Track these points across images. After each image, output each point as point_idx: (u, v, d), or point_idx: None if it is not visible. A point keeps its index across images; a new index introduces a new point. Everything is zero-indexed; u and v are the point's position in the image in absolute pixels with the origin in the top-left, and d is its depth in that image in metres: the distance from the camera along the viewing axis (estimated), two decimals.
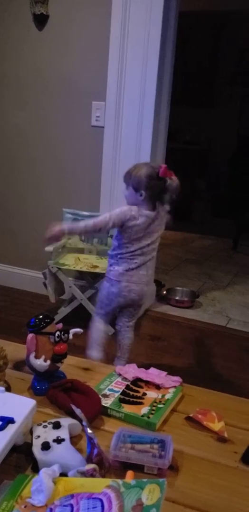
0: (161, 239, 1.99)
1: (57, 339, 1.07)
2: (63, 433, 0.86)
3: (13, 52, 2.90)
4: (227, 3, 5.15)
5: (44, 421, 0.89)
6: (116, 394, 1.06)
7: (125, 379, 1.13)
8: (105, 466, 0.82)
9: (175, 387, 1.11)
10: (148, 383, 1.12)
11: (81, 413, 0.88)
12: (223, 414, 1.02)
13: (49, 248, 2.61)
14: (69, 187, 2.93)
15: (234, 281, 3.80)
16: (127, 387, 1.10)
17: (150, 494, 0.67)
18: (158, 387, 1.11)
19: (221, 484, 0.83)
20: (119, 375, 1.15)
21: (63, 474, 0.77)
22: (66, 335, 1.09)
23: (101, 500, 0.68)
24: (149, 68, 2.56)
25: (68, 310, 2.67)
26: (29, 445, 0.85)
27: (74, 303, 2.65)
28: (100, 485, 0.71)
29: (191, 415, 1.01)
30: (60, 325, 1.11)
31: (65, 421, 0.90)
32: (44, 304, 2.81)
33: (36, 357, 1.06)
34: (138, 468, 0.82)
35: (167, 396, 1.07)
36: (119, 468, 0.83)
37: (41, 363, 1.06)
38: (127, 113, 2.65)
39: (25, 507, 0.71)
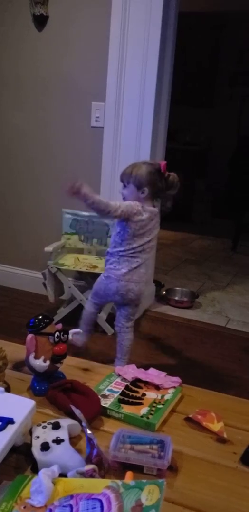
0: (161, 239, 2.02)
1: (56, 340, 1.07)
2: (63, 433, 0.86)
3: (13, 52, 2.90)
4: (227, 4, 5.15)
5: (44, 422, 0.90)
6: (116, 395, 1.06)
7: (124, 379, 1.13)
8: (104, 467, 0.82)
9: (174, 387, 1.11)
10: (147, 384, 1.12)
11: (81, 414, 0.88)
12: (222, 414, 1.02)
13: (48, 249, 2.61)
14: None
15: (234, 282, 3.80)
16: (126, 387, 1.10)
17: (149, 494, 0.67)
18: (157, 387, 1.11)
19: (220, 484, 0.84)
20: (119, 375, 1.15)
21: (63, 475, 0.77)
22: (65, 335, 1.09)
23: (100, 501, 0.68)
24: (148, 69, 2.56)
25: (68, 310, 2.67)
26: (28, 446, 0.85)
27: (73, 303, 2.65)
28: (99, 485, 0.72)
29: (190, 416, 1.02)
30: (59, 326, 1.11)
31: (65, 422, 0.90)
32: (43, 304, 2.81)
33: (36, 357, 1.06)
34: (137, 469, 0.82)
35: (166, 397, 1.07)
36: (119, 469, 0.83)
37: (40, 364, 1.06)
38: (127, 113, 2.65)
39: (24, 507, 0.71)
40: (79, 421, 0.89)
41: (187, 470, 0.87)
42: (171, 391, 1.10)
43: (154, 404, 1.04)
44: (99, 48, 2.66)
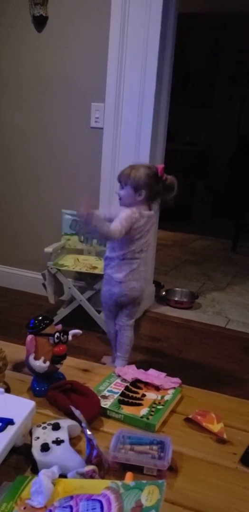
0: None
1: (56, 340, 1.07)
2: (63, 434, 0.86)
3: (12, 53, 2.90)
4: (226, 4, 5.15)
5: (44, 423, 0.90)
6: (116, 395, 1.06)
7: (124, 380, 1.13)
8: (104, 468, 0.82)
9: (174, 388, 1.11)
10: (147, 384, 1.12)
11: (81, 415, 0.88)
12: (222, 415, 1.02)
13: (48, 249, 2.61)
14: (69, 188, 2.93)
15: (234, 282, 3.80)
16: (126, 388, 1.10)
17: (149, 495, 0.67)
18: (157, 388, 1.11)
19: (220, 485, 0.84)
20: (119, 376, 1.15)
21: (63, 476, 0.77)
22: (65, 336, 1.09)
23: (100, 502, 0.68)
24: (148, 69, 2.56)
25: (68, 311, 2.67)
26: (28, 447, 0.85)
27: (73, 304, 2.65)
28: (99, 486, 0.72)
29: (190, 416, 1.02)
30: (59, 326, 1.11)
31: (65, 422, 0.90)
32: (43, 305, 2.81)
33: (36, 358, 1.06)
34: (137, 470, 0.82)
35: (166, 397, 1.07)
36: (119, 470, 0.83)
37: (40, 364, 1.06)
38: (126, 114, 2.65)
39: (24, 508, 0.71)
40: (79, 422, 0.89)
41: (187, 470, 0.87)
42: (170, 391, 1.10)
43: (154, 405, 1.04)
44: (99, 49, 2.66)
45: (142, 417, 0.99)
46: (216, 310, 3.18)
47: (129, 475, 0.78)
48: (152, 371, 1.19)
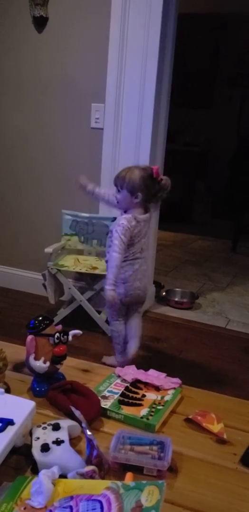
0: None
1: (56, 341, 1.07)
2: (63, 434, 0.86)
3: (13, 54, 2.91)
4: (227, 5, 5.15)
5: (44, 423, 0.90)
6: (116, 396, 1.06)
7: (124, 380, 1.13)
8: (104, 468, 0.82)
9: (174, 388, 1.11)
10: (147, 385, 1.12)
11: (81, 415, 0.88)
12: (222, 415, 1.02)
13: (48, 250, 2.61)
14: (69, 189, 2.92)
15: (234, 282, 3.80)
16: (126, 388, 1.10)
17: (149, 495, 0.67)
18: (157, 388, 1.11)
19: (220, 485, 0.84)
20: (119, 376, 1.15)
21: (63, 476, 0.77)
22: (65, 336, 1.09)
23: (100, 502, 0.68)
24: (148, 70, 2.57)
25: (68, 311, 2.67)
26: (28, 447, 0.85)
27: (73, 304, 2.65)
28: (99, 486, 0.72)
29: (190, 417, 1.02)
30: (59, 327, 1.11)
31: (65, 423, 0.90)
32: (43, 305, 2.81)
33: (36, 358, 1.06)
34: (137, 470, 0.82)
35: (166, 398, 1.07)
36: (119, 470, 0.83)
37: (40, 365, 1.06)
38: (126, 114, 2.65)
39: (24, 508, 0.71)
40: (79, 422, 0.89)
41: (187, 471, 0.87)
42: (171, 392, 1.10)
43: (154, 405, 1.04)
44: (99, 49, 2.66)
45: (142, 417, 0.99)
46: (216, 311, 3.18)
47: (129, 475, 0.78)
48: (152, 371, 1.19)
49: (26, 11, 2.79)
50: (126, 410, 1.01)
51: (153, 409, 1.02)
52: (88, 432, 0.84)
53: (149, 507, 0.65)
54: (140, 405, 1.04)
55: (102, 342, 2.53)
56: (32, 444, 0.84)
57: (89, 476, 0.76)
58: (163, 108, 2.75)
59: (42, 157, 2.97)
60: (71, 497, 0.70)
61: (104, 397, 1.05)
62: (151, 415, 1.00)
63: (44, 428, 0.88)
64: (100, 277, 2.57)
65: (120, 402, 1.04)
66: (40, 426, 0.89)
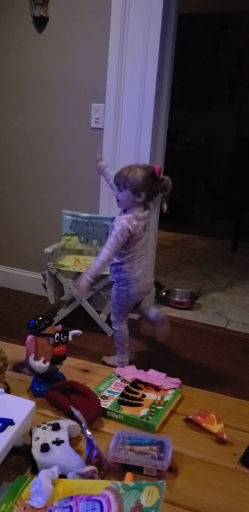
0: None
1: (56, 341, 1.07)
2: (63, 434, 0.86)
3: (13, 54, 2.91)
4: (227, 5, 5.15)
5: (44, 423, 0.90)
6: (116, 396, 1.06)
7: (124, 380, 1.13)
8: (104, 468, 0.82)
9: (174, 388, 1.11)
10: (147, 385, 1.12)
11: (81, 415, 0.88)
12: (222, 415, 1.02)
13: (48, 250, 2.61)
14: (69, 189, 2.93)
15: (234, 283, 3.80)
16: (126, 388, 1.10)
17: (148, 496, 0.67)
18: (157, 388, 1.11)
19: (220, 485, 0.84)
20: (119, 376, 1.15)
21: (63, 476, 0.77)
22: (65, 336, 1.09)
23: (100, 502, 0.68)
24: (148, 70, 2.56)
25: (68, 311, 2.67)
26: (28, 447, 0.85)
27: (73, 304, 2.65)
28: (99, 486, 0.72)
29: (190, 417, 1.02)
30: (59, 327, 1.11)
31: (65, 423, 0.90)
32: (43, 305, 2.81)
33: (36, 358, 1.06)
34: (137, 470, 0.82)
35: (166, 398, 1.07)
36: (119, 470, 0.83)
37: (40, 365, 1.06)
38: (126, 115, 2.65)
39: (24, 508, 0.71)
40: (79, 422, 0.89)
41: (187, 471, 0.87)
42: (170, 392, 1.10)
43: (154, 405, 1.04)
44: (99, 49, 2.66)
45: (141, 417, 0.99)
46: (216, 311, 3.18)
47: (128, 475, 0.78)
48: (151, 371, 1.19)
49: (27, 11, 2.79)
50: (126, 410, 1.01)
51: (153, 409, 1.02)
52: (88, 432, 0.84)
53: (148, 507, 0.65)
54: (140, 405, 1.04)
55: (102, 342, 2.53)
56: (32, 444, 0.84)
57: (89, 476, 0.76)
58: (163, 108, 2.75)
59: (43, 157, 2.97)
60: (71, 497, 0.70)
61: (104, 397, 1.05)
62: (151, 415, 1.00)
63: (44, 428, 0.88)
64: (101, 277, 2.57)
65: (120, 402, 1.04)
66: (40, 426, 0.89)
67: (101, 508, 0.67)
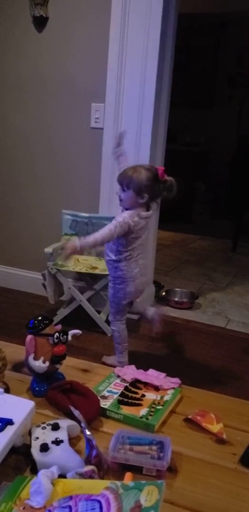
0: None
1: (56, 341, 1.07)
2: (62, 434, 0.86)
3: (13, 53, 2.91)
4: (227, 5, 5.15)
5: (43, 423, 0.90)
6: (115, 396, 1.06)
7: (123, 380, 1.13)
8: (104, 468, 0.82)
9: (173, 388, 1.11)
10: (146, 385, 1.12)
11: (80, 415, 0.88)
12: (221, 415, 1.02)
13: (48, 250, 2.61)
14: (69, 189, 2.93)
15: (233, 282, 3.80)
16: (126, 388, 1.10)
17: (148, 495, 0.67)
18: (156, 388, 1.11)
19: (220, 485, 0.84)
20: (118, 376, 1.15)
21: (62, 476, 0.77)
22: (65, 336, 1.09)
23: (99, 502, 0.68)
24: (148, 70, 2.56)
25: (68, 311, 2.67)
26: (28, 447, 0.85)
27: (73, 304, 2.65)
28: (98, 486, 0.72)
29: (189, 417, 1.02)
30: (59, 327, 1.11)
31: (64, 423, 0.90)
32: (43, 305, 2.81)
33: (35, 358, 1.06)
34: (136, 470, 0.82)
35: (166, 398, 1.07)
36: (118, 470, 0.83)
37: (40, 365, 1.06)
38: (126, 114, 2.65)
39: (23, 508, 0.71)
40: (79, 422, 0.89)
41: (186, 471, 0.87)
42: (170, 392, 1.10)
43: (153, 405, 1.04)
44: (99, 49, 2.66)
45: (141, 417, 0.99)
46: (216, 311, 3.18)
47: (128, 475, 0.77)
48: (151, 371, 1.19)
49: (26, 10, 2.79)
50: (125, 410, 1.01)
51: (152, 409, 1.02)
52: (88, 432, 0.84)
53: (148, 507, 0.65)
54: (139, 405, 1.04)
55: (101, 342, 2.53)
56: (31, 444, 0.84)
57: (89, 476, 0.76)
58: (163, 107, 2.75)
59: (42, 156, 2.97)
60: (71, 497, 0.70)
61: (104, 397, 1.05)
62: (150, 415, 1.00)
63: (44, 428, 0.88)
64: (100, 277, 2.57)
65: (120, 402, 1.04)
66: (39, 426, 0.89)
67: (101, 508, 0.67)
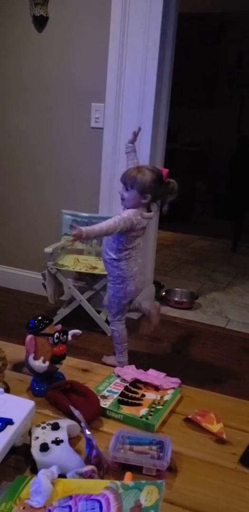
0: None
1: (56, 340, 1.07)
2: (62, 434, 0.86)
3: (13, 53, 2.91)
4: (227, 5, 5.16)
5: (43, 422, 0.90)
6: (115, 396, 1.06)
7: (123, 380, 1.13)
8: (103, 468, 0.82)
9: (173, 388, 1.11)
10: (146, 385, 1.12)
11: (80, 415, 0.88)
12: (221, 415, 1.02)
13: (48, 249, 2.61)
14: (69, 189, 2.93)
15: (233, 282, 3.80)
16: (126, 388, 1.10)
17: (148, 495, 0.67)
18: (156, 388, 1.11)
19: (220, 485, 0.84)
20: (118, 376, 1.15)
21: (62, 476, 0.77)
22: (65, 336, 1.09)
23: (99, 502, 0.68)
24: (148, 70, 2.56)
25: (68, 311, 2.67)
26: (28, 446, 0.85)
27: (73, 304, 2.65)
28: (98, 486, 0.72)
29: (189, 417, 1.02)
30: (59, 326, 1.11)
31: (64, 422, 0.90)
32: (43, 305, 2.81)
33: (35, 358, 1.06)
34: (136, 470, 0.82)
35: (166, 398, 1.07)
36: (118, 470, 0.83)
37: (40, 364, 1.06)
38: (126, 114, 2.65)
39: (23, 508, 0.71)
40: (79, 422, 0.89)
41: (186, 471, 0.87)
42: (170, 391, 1.10)
43: (153, 405, 1.04)
44: (99, 49, 2.66)
45: (141, 417, 0.99)
46: (216, 310, 3.18)
47: (128, 475, 0.77)
48: (151, 371, 1.19)
49: (26, 10, 2.79)
50: (125, 410, 1.01)
51: (152, 409, 1.02)
52: (88, 432, 0.84)
53: (148, 507, 0.65)
54: (139, 404, 1.04)
55: (102, 342, 2.53)
56: (31, 444, 0.84)
57: (89, 475, 0.76)
58: (163, 107, 2.75)
59: (42, 156, 2.97)
60: (70, 497, 0.70)
61: (104, 397, 1.05)
62: (150, 415, 1.00)
63: (44, 427, 0.88)
64: (100, 276, 2.57)
65: (120, 402, 1.04)
66: (39, 425, 0.89)
67: (101, 507, 0.67)
